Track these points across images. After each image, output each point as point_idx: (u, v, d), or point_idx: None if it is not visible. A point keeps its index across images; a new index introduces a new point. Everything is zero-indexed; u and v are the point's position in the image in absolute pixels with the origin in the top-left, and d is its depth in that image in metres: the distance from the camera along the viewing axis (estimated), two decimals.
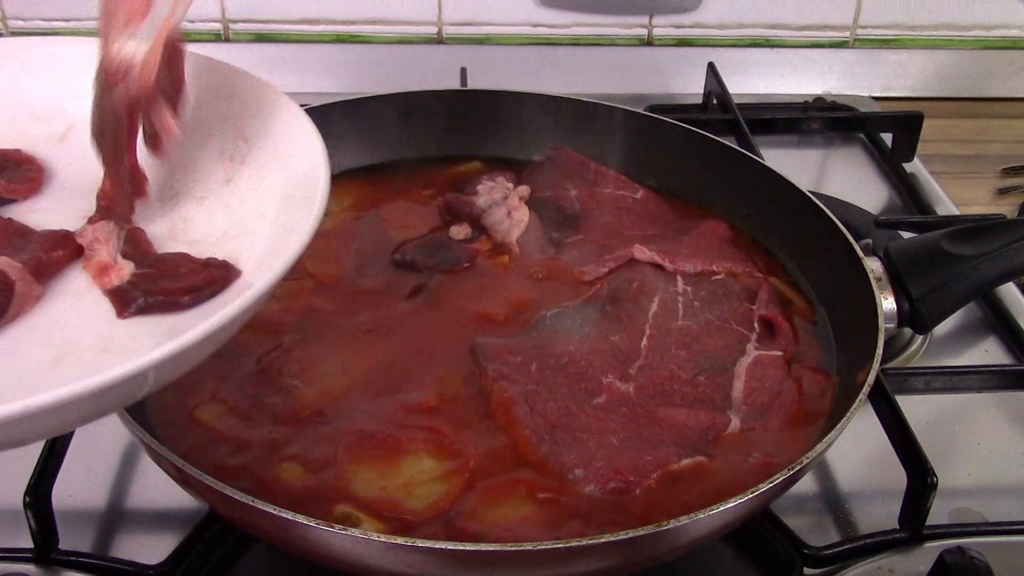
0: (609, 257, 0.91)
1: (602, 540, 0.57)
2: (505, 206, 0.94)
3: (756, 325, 0.84)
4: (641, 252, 0.90)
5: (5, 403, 0.44)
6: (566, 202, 0.99)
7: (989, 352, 0.96)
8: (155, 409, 0.73)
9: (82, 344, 0.59)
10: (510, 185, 0.98)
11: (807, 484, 0.81)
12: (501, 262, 0.91)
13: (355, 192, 1.01)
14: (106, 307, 0.62)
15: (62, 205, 0.69)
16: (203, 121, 0.70)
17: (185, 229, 0.68)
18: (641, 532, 0.58)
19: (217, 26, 1.37)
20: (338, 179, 1.02)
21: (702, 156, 1.00)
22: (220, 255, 0.64)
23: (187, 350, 0.50)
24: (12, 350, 0.58)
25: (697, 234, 0.94)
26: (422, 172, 1.04)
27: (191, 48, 0.67)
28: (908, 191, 1.20)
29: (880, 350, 0.73)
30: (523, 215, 0.94)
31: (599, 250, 0.92)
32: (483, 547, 0.59)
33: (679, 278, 0.89)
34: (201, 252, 0.65)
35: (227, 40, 1.38)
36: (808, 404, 0.77)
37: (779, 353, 0.81)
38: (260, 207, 0.66)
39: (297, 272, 0.88)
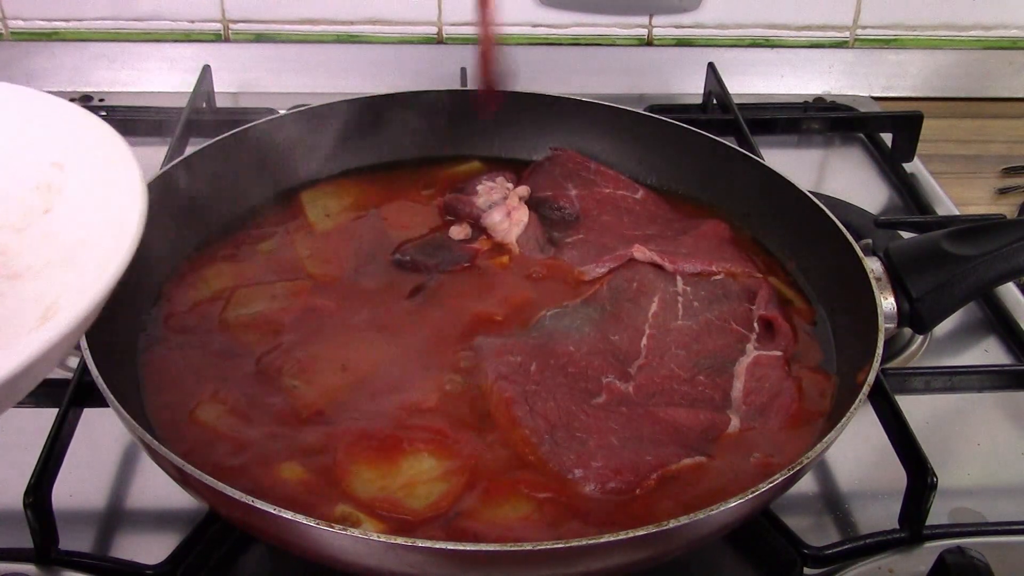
0: (609, 257, 0.91)
1: (602, 540, 0.57)
2: (505, 206, 0.94)
3: (756, 325, 0.84)
4: (641, 252, 0.90)
5: None
6: (566, 202, 0.99)
7: (989, 352, 0.96)
8: (155, 409, 0.73)
9: None
10: (509, 185, 0.98)
11: (807, 484, 0.81)
12: (501, 262, 0.91)
13: (355, 192, 1.01)
14: None
15: None
16: (11, 149, 0.69)
17: (5, 262, 0.67)
18: (641, 532, 0.58)
19: (217, 26, 1.37)
20: (338, 179, 1.03)
21: (702, 156, 1.00)
22: (46, 287, 0.63)
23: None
24: None
25: (697, 234, 0.94)
26: (422, 172, 1.04)
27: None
28: (908, 191, 1.20)
29: (880, 350, 0.73)
30: (522, 215, 0.94)
31: (599, 250, 0.92)
32: (483, 547, 0.59)
33: (679, 278, 0.89)
34: (26, 284, 0.65)
35: (227, 40, 1.38)
36: (808, 404, 0.77)
37: (779, 353, 0.81)
38: (82, 235, 0.65)
39: (297, 272, 0.89)
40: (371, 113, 1.03)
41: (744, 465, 0.71)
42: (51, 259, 0.65)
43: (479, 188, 0.97)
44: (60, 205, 0.68)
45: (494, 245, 0.93)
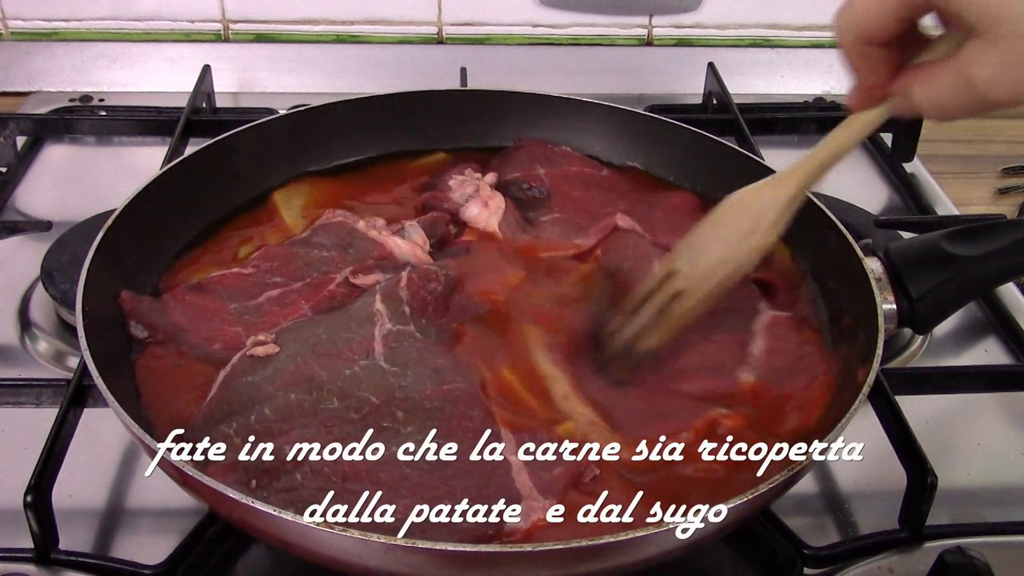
0: (595, 228, 0.92)
1: (602, 541, 0.57)
2: (480, 198, 0.95)
3: (753, 287, 0.85)
4: (623, 220, 0.91)
5: None
6: (535, 180, 1.00)
7: (989, 352, 0.96)
8: (154, 409, 0.73)
9: None
10: (478, 175, 0.98)
11: (807, 484, 0.81)
12: (493, 248, 0.92)
13: (333, 190, 1.00)
14: None
15: None
16: None
17: None
18: (641, 532, 0.58)
19: (217, 26, 1.37)
20: (340, 177, 1.03)
21: (702, 156, 1.00)
22: None
23: None
24: None
25: (667, 207, 0.96)
26: (388, 168, 1.03)
27: None
28: (908, 191, 1.20)
29: (880, 350, 0.73)
30: (499, 202, 0.95)
31: (576, 227, 0.93)
32: (483, 547, 0.59)
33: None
34: None
35: (227, 40, 1.38)
36: None
37: (789, 314, 0.82)
38: None
39: None
40: (371, 113, 1.03)
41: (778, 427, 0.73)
42: None
43: (451, 184, 0.97)
44: None
45: (479, 235, 0.93)
